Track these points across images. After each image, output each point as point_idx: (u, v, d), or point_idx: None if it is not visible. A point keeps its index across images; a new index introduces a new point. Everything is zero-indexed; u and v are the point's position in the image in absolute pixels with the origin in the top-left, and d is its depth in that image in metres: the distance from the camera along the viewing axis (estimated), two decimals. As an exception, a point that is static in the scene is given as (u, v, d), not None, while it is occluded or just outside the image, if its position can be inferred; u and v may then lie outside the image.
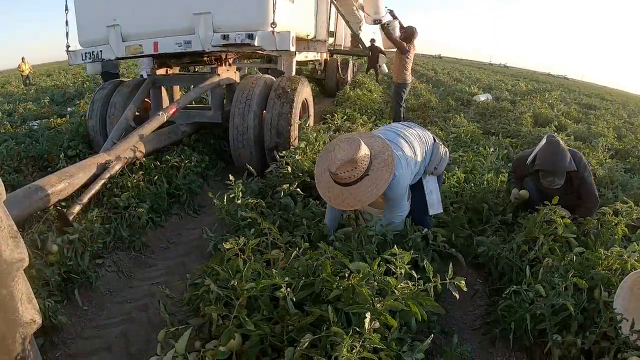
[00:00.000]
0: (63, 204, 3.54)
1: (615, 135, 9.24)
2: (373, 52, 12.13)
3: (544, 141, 3.56)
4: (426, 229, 3.04)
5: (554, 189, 3.45)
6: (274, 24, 4.55)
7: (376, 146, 2.78)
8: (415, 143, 3.07)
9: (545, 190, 3.53)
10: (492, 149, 5.45)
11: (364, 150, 2.64)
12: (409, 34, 7.58)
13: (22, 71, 21.78)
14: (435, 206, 3.24)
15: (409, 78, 7.80)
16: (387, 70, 12.30)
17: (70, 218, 3.34)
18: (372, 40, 13.85)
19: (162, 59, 5.77)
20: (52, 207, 3.39)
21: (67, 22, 5.45)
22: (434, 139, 3.31)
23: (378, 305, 1.81)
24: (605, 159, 6.38)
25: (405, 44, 7.42)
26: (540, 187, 3.60)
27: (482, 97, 12.41)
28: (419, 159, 3.06)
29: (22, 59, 21.80)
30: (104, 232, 3.56)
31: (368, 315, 1.69)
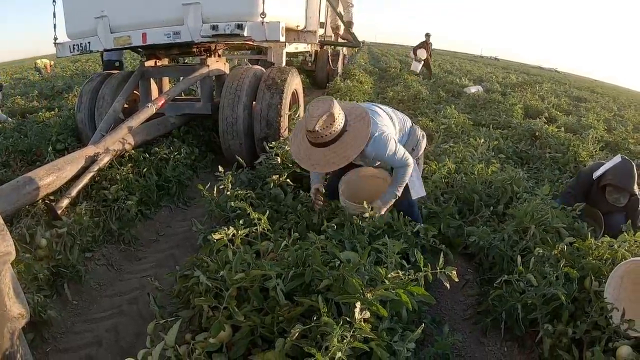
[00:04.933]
0: (52, 197, 3.49)
1: (606, 128, 9.28)
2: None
3: (617, 159, 3.66)
4: (419, 225, 3.01)
5: (617, 205, 3.59)
6: (263, 14, 4.51)
7: (347, 106, 2.83)
8: (392, 115, 3.10)
9: (598, 205, 3.69)
10: (482, 140, 5.46)
11: (338, 105, 2.64)
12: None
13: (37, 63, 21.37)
14: (417, 189, 3.21)
15: None
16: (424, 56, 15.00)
17: (59, 212, 3.30)
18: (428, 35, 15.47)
19: (150, 51, 5.71)
20: (40, 200, 3.35)
21: (54, 14, 5.39)
22: (412, 123, 3.31)
23: (368, 294, 1.81)
24: (596, 151, 6.41)
25: None
26: (596, 200, 3.72)
27: (473, 89, 12.41)
28: (396, 129, 3.06)
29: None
30: (93, 225, 3.53)
31: (358, 305, 1.68)
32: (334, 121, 2.60)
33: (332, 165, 2.72)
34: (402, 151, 2.88)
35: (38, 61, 21.42)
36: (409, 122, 3.27)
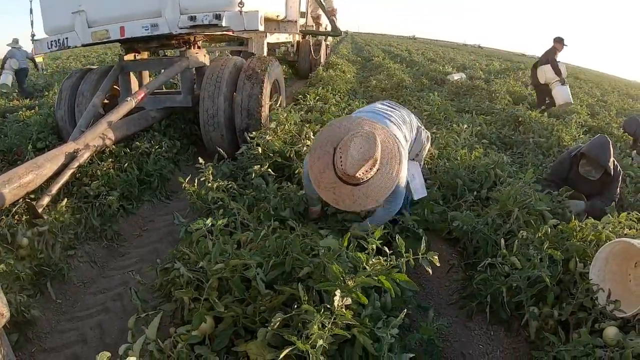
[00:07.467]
0: (32, 196, 3.44)
1: (589, 113, 9.37)
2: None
3: (596, 137, 3.80)
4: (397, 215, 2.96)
5: (588, 179, 3.71)
6: (241, 3, 4.48)
7: (379, 134, 2.38)
8: (402, 126, 2.87)
9: (575, 182, 3.80)
10: (465, 126, 5.47)
11: (379, 142, 2.29)
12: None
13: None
14: (419, 191, 3.16)
15: None
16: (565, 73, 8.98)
17: (40, 210, 3.25)
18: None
19: (129, 44, 5.64)
20: (21, 199, 3.30)
21: (31, 10, 5.31)
22: (418, 124, 3.18)
23: (349, 282, 1.79)
24: (579, 135, 6.46)
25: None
26: (577, 183, 3.81)
27: (456, 76, 12.42)
28: (405, 143, 2.84)
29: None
30: (75, 222, 3.49)
31: (338, 292, 1.67)
32: (374, 165, 2.25)
33: (359, 205, 2.36)
34: (399, 204, 2.77)
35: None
36: (415, 124, 3.12)
